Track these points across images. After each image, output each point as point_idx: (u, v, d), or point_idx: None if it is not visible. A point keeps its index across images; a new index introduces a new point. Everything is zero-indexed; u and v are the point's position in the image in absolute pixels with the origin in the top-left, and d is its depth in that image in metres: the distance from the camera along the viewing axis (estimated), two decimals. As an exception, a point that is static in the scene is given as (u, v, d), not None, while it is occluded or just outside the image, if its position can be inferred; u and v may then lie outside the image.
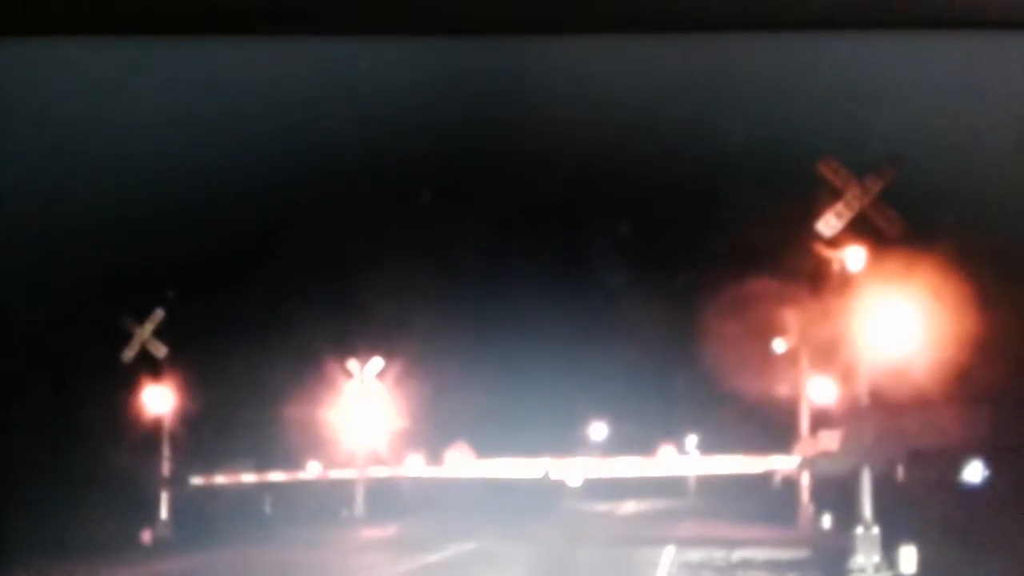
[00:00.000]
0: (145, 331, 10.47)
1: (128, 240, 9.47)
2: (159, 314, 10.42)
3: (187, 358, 10.75)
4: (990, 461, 9.62)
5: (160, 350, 10.65)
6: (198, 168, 9.11)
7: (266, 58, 8.57)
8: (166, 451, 11.09)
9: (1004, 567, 8.14)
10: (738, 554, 10.05)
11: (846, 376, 9.77)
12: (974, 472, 9.70)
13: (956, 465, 9.74)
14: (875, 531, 9.11)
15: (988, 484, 9.63)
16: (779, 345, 10.63)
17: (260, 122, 8.92)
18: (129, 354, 10.45)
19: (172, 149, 8.97)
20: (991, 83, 8.20)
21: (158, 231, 9.53)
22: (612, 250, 10.24)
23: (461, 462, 11.80)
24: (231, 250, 10.06)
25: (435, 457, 11.95)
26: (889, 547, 8.96)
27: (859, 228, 9.64)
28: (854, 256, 9.66)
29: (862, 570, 8.92)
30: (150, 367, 10.70)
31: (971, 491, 9.70)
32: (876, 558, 8.97)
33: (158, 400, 10.95)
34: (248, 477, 11.56)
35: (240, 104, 8.82)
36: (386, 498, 12.18)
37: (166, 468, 11.06)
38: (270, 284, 10.27)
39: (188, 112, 8.78)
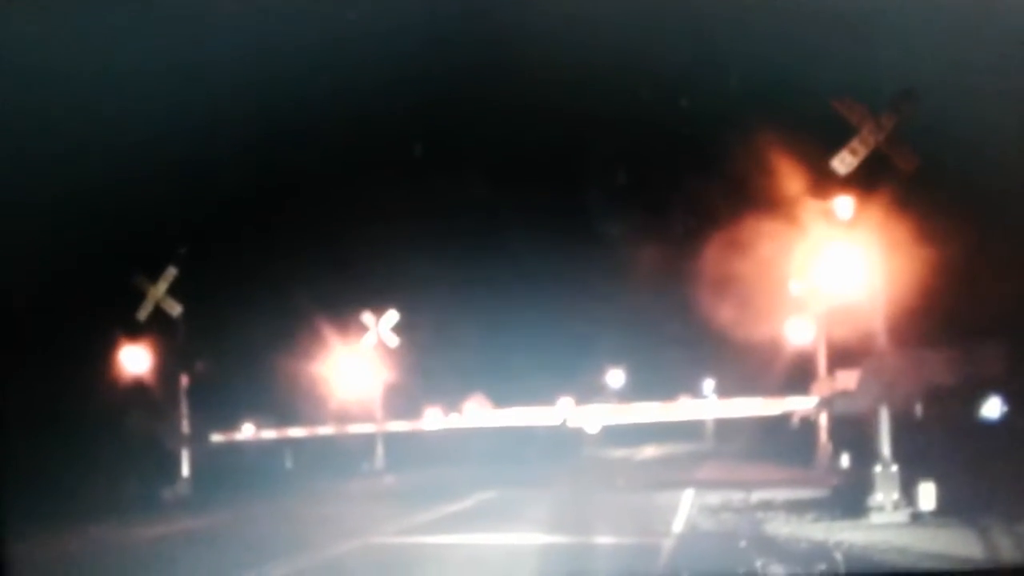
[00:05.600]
0: (159, 290, 10.52)
1: (139, 201, 9.46)
2: (172, 273, 10.47)
3: (202, 316, 10.80)
4: (1007, 397, 9.58)
5: (175, 308, 10.70)
6: (211, 128, 9.08)
7: (258, 10, 8.48)
8: (185, 410, 11.17)
9: (1021, 503, 8.13)
10: (757, 495, 10.07)
11: (863, 316, 9.71)
12: (992, 408, 9.66)
13: (974, 402, 9.71)
14: (894, 469, 9.10)
15: (1006, 420, 9.60)
16: (794, 287, 10.56)
17: (271, 82, 8.86)
18: (143, 313, 10.51)
19: (183, 109, 8.93)
20: (1005, 20, 8.06)
21: (168, 192, 9.52)
22: (628, 199, 10.18)
23: (479, 412, 11.85)
24: (243, 209, 10.04)
25: (453, 408, 12.00)
26: (908, 484, 8.96)
27: (874, 165, 9.52)
28: (870, 194, 9.55)
29: (881, 507, 8.92)
30: (165, 326, 10.76)
31: (989, 427, 9.68)
32: (895, 495, 8.96)
33: (175, 359, 11.01)
34: (268, 433, 11.66)
35: (248, 64, 8.74)
36: (406, 450, 12.27)
37: (185, 427, 11.15)
38: (285, 241, 10.26)
39: (196, 73, 8.73)
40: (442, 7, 8.40)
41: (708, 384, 12.37)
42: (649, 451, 13.42)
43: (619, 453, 13.28)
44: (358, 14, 8.44)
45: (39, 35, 8.25)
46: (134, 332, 10.53)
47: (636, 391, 12.21)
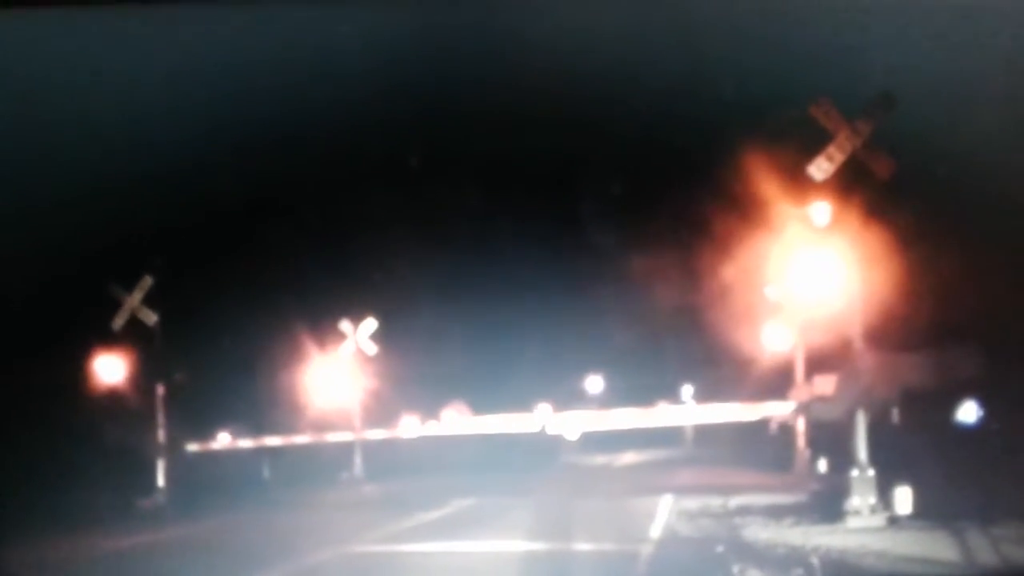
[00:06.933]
0: (134, 299, 10.44)
1: (116, 209, 9.40)
2: (148, 282, 10.40)
3: (178, 325, 10.73)
4: (983, 402, 9.65)
5: (150, 317, 10.62)
6: (187, 136, 9.04)
7: (251, 24, 8.47)
8: (160, 419, 11.08)
9: (997, 506, 8.19)
10: (736, 500, 10.09)
11: (840, 321, 9.76)
12: (967, 413, 9.73)
13: (949, 406, 9.77)
14: (870, 473, 9.14)
15: (981, 424, 9.67)
16: (772, 292, 10.60)
17: (249, 90, 8.84)
18: (119, 322, 10.43)
19: (160, 117, 8.90)
20: (982, 24, 8.12)
21: (145, 199, 9.46)
22: (603, 205, 10.19)
23: (458, 420, 11.82)
24: (220, 216, 9.99)
25: (432, 416, 11.96)
26: (884, 488, 9.00)
27: (851, 171, 9.57)
28: (846, 200, 9.60)
29: (858, 512, 8.96)
30: (141, 335, 10.68)
31: (964, 431, 9.74)
32: (872, 499, 9.00)
33: (150, 368, 10.93)
34: (245, 442, 11.59)
35: (227, 72, 8.73)
36: (384, 458, 12.22)
37: (162, 436, 11.06)
38: (261, 249, 10.21)
39: (175, 82, 8.70)
40: (435, 20, 8.42)
41: (687, 390, 12.38)
42: (629, 457, 13.42)
43: (599, 460, 13.27)
44: (352, 27, 8.46)
45: (19, 45, 8.21)
46: (109, 341, 10.44)
47: (615, 398, 12.22)
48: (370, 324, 11.57)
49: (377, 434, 12.04)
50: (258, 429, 11.61)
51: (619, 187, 10.18)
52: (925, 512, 8.81)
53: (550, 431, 11.94)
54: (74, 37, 8.28)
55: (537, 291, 10.56)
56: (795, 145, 9.44)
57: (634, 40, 8.58)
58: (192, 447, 11.31)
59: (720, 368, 11.21)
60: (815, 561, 7.60)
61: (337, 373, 11.64)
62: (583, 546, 8.51)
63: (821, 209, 9.69)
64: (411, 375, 11.54)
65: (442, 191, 10.01)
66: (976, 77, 8.32)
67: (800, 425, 11.11)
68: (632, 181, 10.12)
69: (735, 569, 7.41)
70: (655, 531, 9.10)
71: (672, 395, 12.27)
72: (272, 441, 11.75)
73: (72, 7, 7.79)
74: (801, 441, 11.14)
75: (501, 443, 11.75)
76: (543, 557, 8.30)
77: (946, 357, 9.52)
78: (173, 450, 11.16)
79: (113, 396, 10.34)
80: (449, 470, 11.90)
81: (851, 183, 9.52)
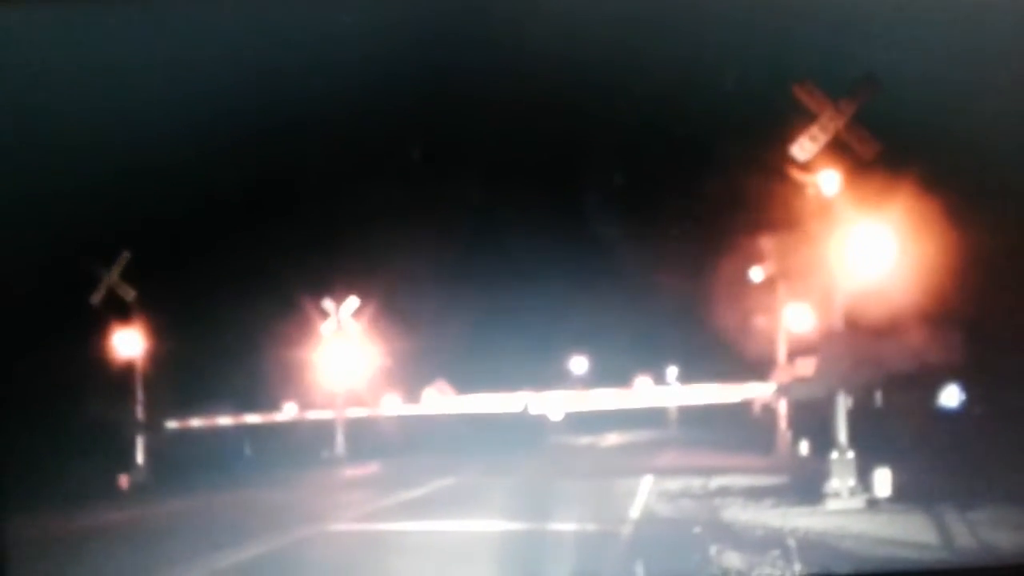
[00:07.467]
0: (112, 274, 10.34)
1: (96, 182, 9.33)
2: (126, 256, 10.29)
3: (157, 301, 10.63)
4: (964, 385, 9.64)
5: (128, 293, 10.53)
6: (172, 112, 8.97)
7: (248, 7, 8.43)
8: (140, 396, 11.01)
9: (977, 490, 8.21)
10: (716, 482, 10.10)
11: (822, 302, 9.74)
12: (948, 396, 9.72)
13: (931, 389, 9.76)
14: (850, 455, 9.16)
15: (962, 408, 9.67)
16: (756, 273, 10.56)
17: (239, 69, 8.77)
18: (96, 298, 10.34)
19: (148, 94, 8.83)
20: (966, 5, 8.09)
21: (126, 172, 9.39)
22: (586, 183, 10.13)
23: (440, 399, 11.78)
24: (201, 191, 9.91)
25: (414, 395, 11.92)
26: (864, 471, 9.02)
27: (834, 151, 9.53)
28: (830, 180, 9.55)
29: (837, 494, 8.98)
30: (119, 311, 10.59)
31: (945, 415, 9.74)
32: (851, 482, 9.02)
33: (129, 344, 10.84)
34: (225, 420, 11.52)
35: (218, 52, 8.67)
36: (366, 437, 12.19)
37: (141, 413, 11.01)
38: (241, 223, 10.14)
39: (166, 60, 8.64)
40: (436, 6, 8.40)
41: (672, 371, 12.35)
42: (612, 438, 13.42)
43: (583, 441, 13.26)
44: (353, 17, 8.43)
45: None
46: (87, 318, 10.37)
47: (600, 378, 12.17)
48: (352, 303, 11.50)
49: (359, 413, 11.99)
50: (239, 407, 11.55)
51: (606, 171, 10.13)
52: (904, 495, 8.81)
53: (533, 411, 11.91)
54: (62, 22, 8.23)
55: (523, 271, 10.51)
56: (778, 125, 9.39)
57: (632, 25, 8.55)
58: (173, 424, 11.25)
59: (705, 349, 11.17)
60: (792, 543, 7.60)
61: (319, 352, 11.58)
62: (562, 526, 8.52)
63: (805, 190, 9.66)
64: (394, 354, 11.48)
65: (428, 172, 9.96)
66: (963, 58, 8.29)
67: (782, 407, 11.10)
68: (621, 165, 10.07)
69: (713, 550, 7.42)
70: (635, 512, 9.10)
71: (657, 376, 12.23)
72: (253, 419, 11.69)
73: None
74: (783, 423, 11.13)
75: (484, 423, 11.71)
76: (522, 536, 8.31)
77: (928, 340, 9.50)
78: (154, 427, 11.10)
79: (91, 373, 10.25)
80: (431, 449, 11.87)
81: (835, 164, 9.48)
